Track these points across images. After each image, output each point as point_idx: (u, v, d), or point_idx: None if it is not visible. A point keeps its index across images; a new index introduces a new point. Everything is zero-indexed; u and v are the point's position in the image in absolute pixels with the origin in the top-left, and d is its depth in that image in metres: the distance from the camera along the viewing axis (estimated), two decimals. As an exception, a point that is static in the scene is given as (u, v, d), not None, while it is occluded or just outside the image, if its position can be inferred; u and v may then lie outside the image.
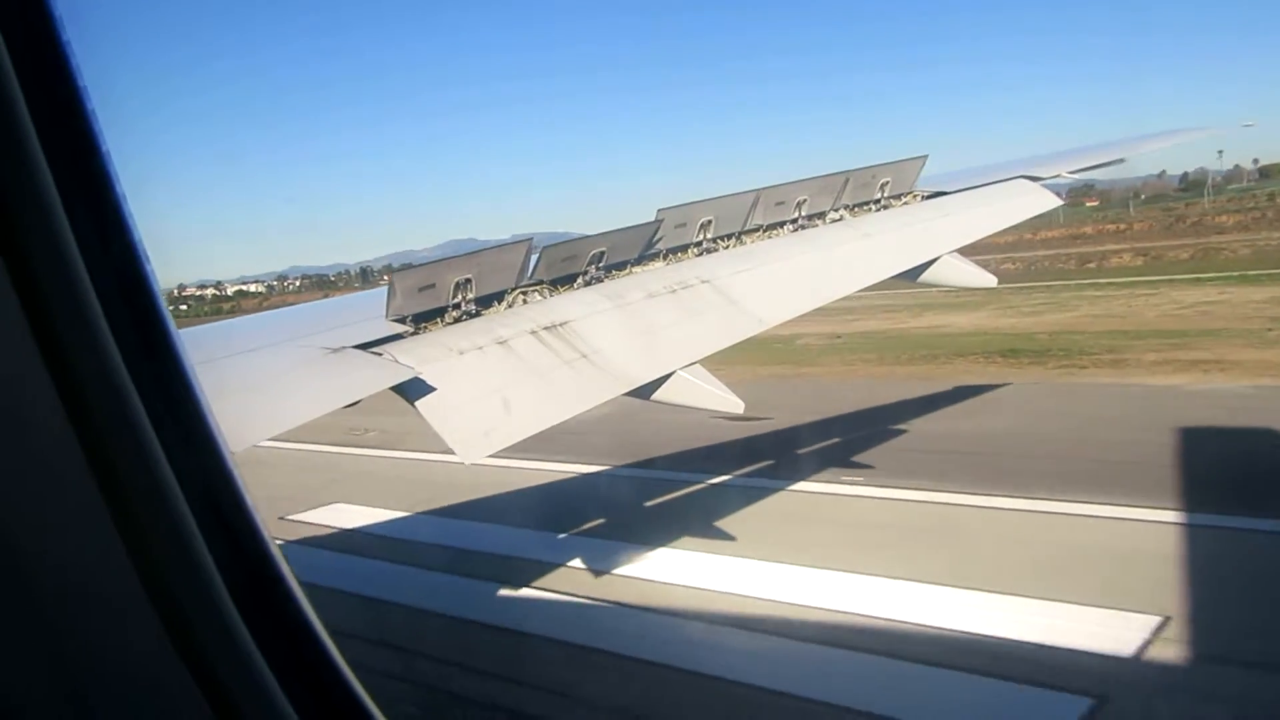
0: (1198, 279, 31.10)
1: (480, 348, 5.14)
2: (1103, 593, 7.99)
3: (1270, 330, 20.03)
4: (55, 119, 1.12)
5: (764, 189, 7.16)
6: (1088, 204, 73.65)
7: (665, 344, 5.83)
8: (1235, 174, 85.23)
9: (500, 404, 5.00)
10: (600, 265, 6.09)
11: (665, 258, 6.56)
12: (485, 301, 5.53)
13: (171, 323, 1.29)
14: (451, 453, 4.71)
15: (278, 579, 1.36)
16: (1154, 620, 7.42)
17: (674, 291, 6.21)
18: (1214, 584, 8.07)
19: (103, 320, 1.14)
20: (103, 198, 1.20)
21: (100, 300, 1.14)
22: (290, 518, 12.98)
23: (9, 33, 1.05)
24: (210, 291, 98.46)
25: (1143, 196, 76.06)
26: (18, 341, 1.08)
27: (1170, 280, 31.86)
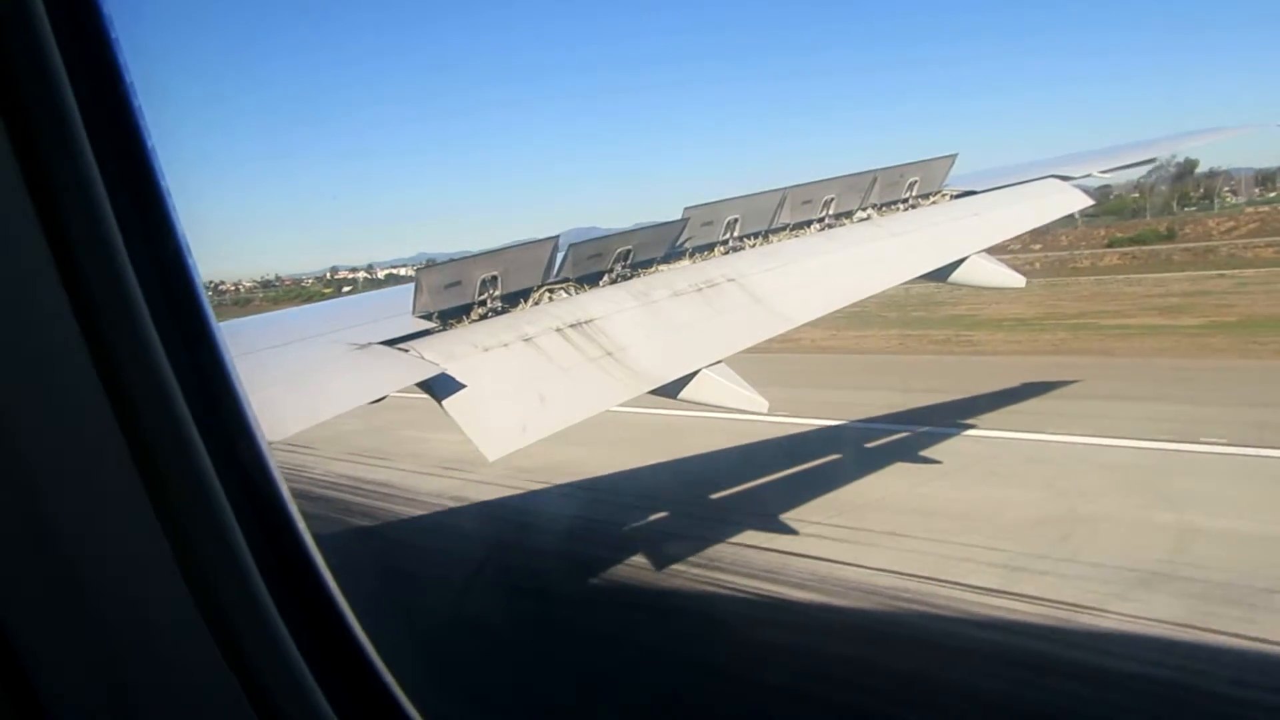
0: None
1: (505, 344, 5.15)
2: None
3: None
4: (103, 115, 1.14)
5: (791, 188, 7.13)
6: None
7: (690, 342, 5.81)
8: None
9: (524, 401, 5.01)
10: (626, 263, 6.09)
11: (692, 256, 6.55)
12: (511, 299, 5.54)
13: (212, 315, 1.31)
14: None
15: (312, 572, 1.38)
16: None
17: (700, 290, 6.20)
18: None
19: (146, 313, 1.16)
20: (148, 192, 1.22)
21: (144, 292, 1.15)
22: None
23: (60, 30, 1.07)
24: (362, 275, 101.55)
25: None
26: (65, 335, 1.10)
27: None
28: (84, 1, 1.14)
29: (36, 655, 1.06)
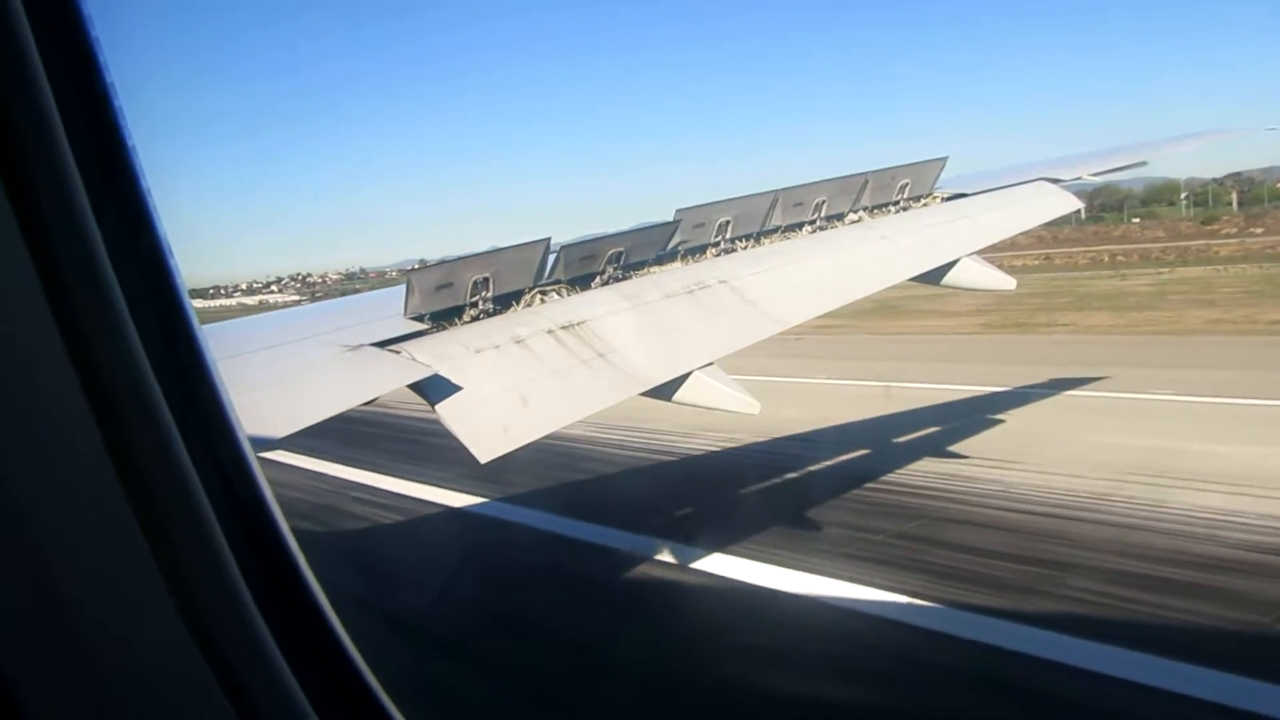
0: None
1: (497, 346, 5.15)
2: None
3: None
4: (82, 114, 1.13)
5: (783, 190, 7.13)
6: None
7: (682, 344, 5.82)
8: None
9: (516, 403, 5.01)
10: (618, 265, 6.10)
11: (683, 258, 6.55)
12: (503, 300, 5.54)
13: (195, 317, 1.30)
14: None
15: (295, 572, 1.38)
16: None
17: (692, 292, 6.21)
18: None
19: (126, 314, 1.16)
20: (128, 192, 1.22)
21: (125, 294, 1.15)
22: None
23: (38, 29, 1.07)
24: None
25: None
26: (43, 335, 1.09)
27: None
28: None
29: (10, 658, 1.06)
